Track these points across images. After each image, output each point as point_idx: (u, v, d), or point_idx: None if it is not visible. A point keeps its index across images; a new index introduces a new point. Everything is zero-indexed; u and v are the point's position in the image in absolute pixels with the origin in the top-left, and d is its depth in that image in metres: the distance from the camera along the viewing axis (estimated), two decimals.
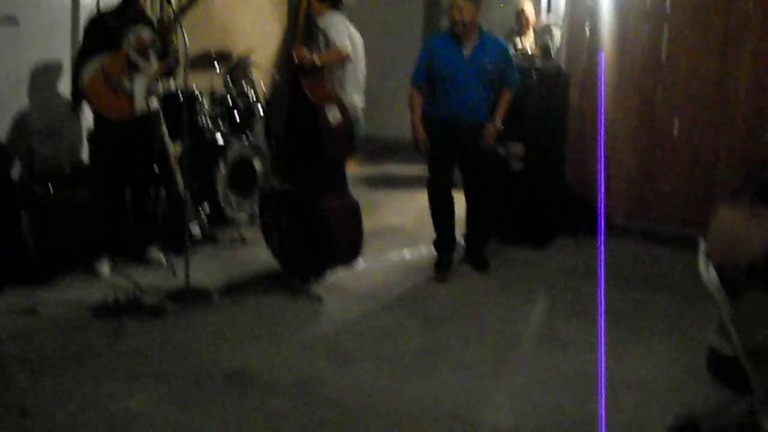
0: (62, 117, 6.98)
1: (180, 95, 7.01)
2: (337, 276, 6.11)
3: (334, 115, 5.69)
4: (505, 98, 6.36)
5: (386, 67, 10.62)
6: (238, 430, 4.00)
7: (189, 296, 5.69)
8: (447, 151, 6.30)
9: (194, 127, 7.31)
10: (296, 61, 5.65)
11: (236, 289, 5.94)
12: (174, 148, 6.60)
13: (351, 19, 7.13)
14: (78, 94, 6.07)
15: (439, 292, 6.03)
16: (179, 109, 6.78)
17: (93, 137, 6.40)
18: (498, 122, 6.29)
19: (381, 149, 10.71)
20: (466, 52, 6.18)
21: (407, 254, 6.75)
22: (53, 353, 4.80)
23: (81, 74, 5.95)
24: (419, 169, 9.16)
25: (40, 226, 5.97)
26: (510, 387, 4.51)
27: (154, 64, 6.00)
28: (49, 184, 6.29)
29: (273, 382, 4.53)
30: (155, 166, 6.40)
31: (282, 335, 5.18)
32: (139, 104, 5.97)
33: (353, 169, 8.82)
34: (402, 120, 10.33)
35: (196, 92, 7.42)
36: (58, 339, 5.02)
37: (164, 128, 6.31)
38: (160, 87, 6.29)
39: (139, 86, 5.95)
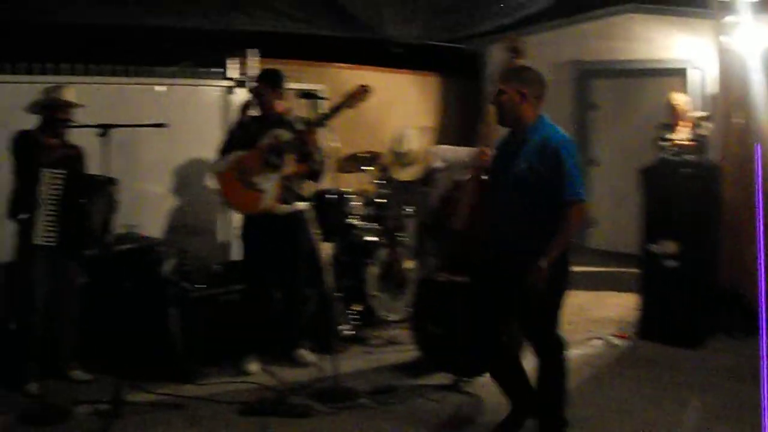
0: (214, 215, 7.02)
1: (329, 196, 7.04)
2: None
3: None
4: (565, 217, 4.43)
5: None
6: None
7: (336, 396, 5.50)
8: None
9: (345, 226, 7.26)
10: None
11: (384, 389, 5.67)
12: (326, 248, 6.50)
13: None
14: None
15: (586, 395, 5.57)
16: (330, 209, 6.83)
17: (241, 236, 6.35)
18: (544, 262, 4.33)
19: None
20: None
21: None
22: None
23: (217, 165, 6.08)
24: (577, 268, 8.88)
25: (189, 322, 5.95)
26: None
27: (291, 165, 5.93)
28: (199, 281, 6.25)
29: None
30: (304, 265, 6.26)
31: None
32: (269, 203, 5.90)
33: None
34: None
35: (347, 193, 7.36)
36: None
37: (311, 228, 6.23)
38: (306, 189, 6.20)
39: (270, 184, 5.90)
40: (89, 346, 5.88)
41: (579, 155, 4.57)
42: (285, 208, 6.04)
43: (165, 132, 5.57)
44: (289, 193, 6.02)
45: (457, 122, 11.85)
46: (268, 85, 6.19)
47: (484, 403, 5.47)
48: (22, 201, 5.48)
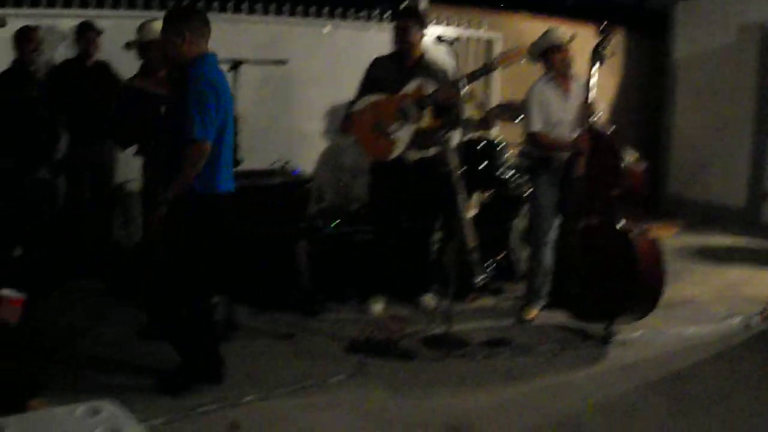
0: (356, 156, 7.13)
1: (479, 145, 7.00)
2: (608, 345, 5.64)
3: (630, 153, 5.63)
4: None
5: (718, 126, 9.97)
6: None
7: (445, 344, 5.52)
8: None
9: (493, 177, 7.18)
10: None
11: (497, 342, 5.64)
12: (475, 199, 6.54)
13: None
14: (346, 123, 6.15)
15: (709, 374, 5.31)
16: (478, 159, 6.79)
17: (371, 178, 6.43)
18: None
19: (708, 215, 9.99)
20: None
21: (689, 330, 6.06)
22: (288, 378, 4.94)
23: (354, 106, 6.07)
24: (747, 241, 8.46)
25: (318, 259, 6.11)
26: None
27: (428, 117, 5.91)
28: (333, 219, 6.41)
29: None
30: (436, 210, 6.29)
31: (519, 395, 4.87)
32: (400, 150, 5.89)
33: (669, 237, 8.31)
34: (729, 185, 9.67)
35: (499, 143, 7.27)
36: (301, 367, 5.13)
37: (453, 176, 6.21)
38: (450, 138, 6.16)
39: (405, 134, 5.89)
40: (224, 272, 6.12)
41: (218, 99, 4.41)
42: (417, 154, 6.01)
43: (329, 73, 5.68)
44: (422, 142, 6.00)
45: (638, 81, 11.44)
46: (416, 22, 6.04)
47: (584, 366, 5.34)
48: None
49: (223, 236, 4.65)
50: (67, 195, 6.77)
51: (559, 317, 6.01)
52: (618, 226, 5.54)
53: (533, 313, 6.14)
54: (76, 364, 4.91)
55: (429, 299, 6.33)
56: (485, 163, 7.10)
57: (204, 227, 4.54)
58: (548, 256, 6.09)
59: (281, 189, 6.59)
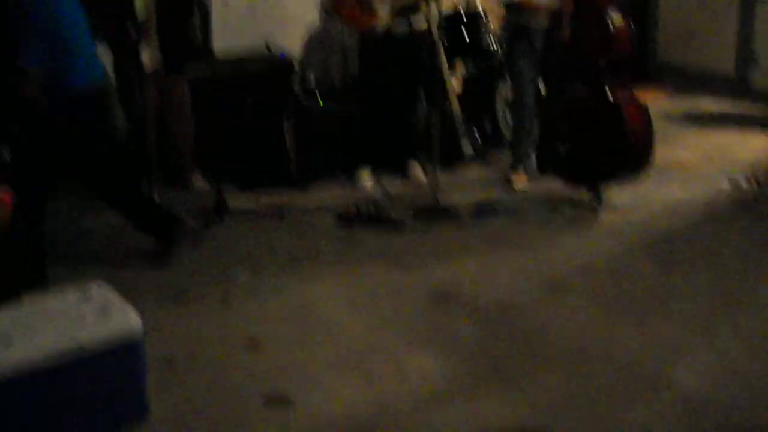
0: (337, 32, 7.07)
1: (464, 14, 6.90)
2: (596, 210, 5.69)
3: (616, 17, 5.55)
4: None
5: None
6: (425, 344, 3.94)
7: (434, 213, 5.58)
8: None
9: (478, 46, 7.10)
10: None
11: (488, 209, 5.71)
12: (459, 68, 6.55)
13: None
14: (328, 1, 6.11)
15: (695, 235, 5.40)
16: (463, 28, 6.71)
17: (359, 52, 6.39)
18: None
19: (697, 80, 9.92)
20: None
21: (677, 193, 6.11)
22: (279, 253, 5.04)
23: None
24: (736, 106, 8.43)
25: (306, 138, 6.13)
26: (719, 349, 3.91)
27: None
28: (318, 96, 6.40)
29: (475, 302, 4.37)
30: (422, 82, 6.27)
31: (507, 259, 4.96)
32: (384, 21, 5.85)
33: (658, 101, 8.29)
34: (717, 50, 9.58)
35: (481, 11, 7.17)
36: (291, 242, 5.20)
37: (437, 47, 6.16)
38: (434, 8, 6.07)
39: (384, 4, 5.85)
40: (211, 158, 6.15)
41: None
42: (403, 28, 5.97)
43: None
44: (405, 13, 5.95)
45: None
46: None
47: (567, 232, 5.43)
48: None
49: (104, 126, 4.62)
50: None
51: (547, 185, 6.03)
52: (606, 92, 5.52)
53: (521, 180, 6.17)
54: (66, 254, 4.96)
55: (417, 171, 6.35)
56: (469, 32, 7.00)
57: (77, 124, 4.51)
58: (533, 124, 6.09)
59: (268, 71, 6.54)
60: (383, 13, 5.87)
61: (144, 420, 3.26)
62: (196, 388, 3.56)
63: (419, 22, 6.09)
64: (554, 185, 5.94)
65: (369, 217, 5.51)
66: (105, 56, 5.69)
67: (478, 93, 7.07)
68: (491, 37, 6.95)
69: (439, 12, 5.98)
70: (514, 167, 6.27)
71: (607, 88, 5.55)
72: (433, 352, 3.84)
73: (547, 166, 6.05)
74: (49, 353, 2.94)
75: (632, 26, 5.77)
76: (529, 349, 3.87)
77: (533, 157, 6.24)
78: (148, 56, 5.56)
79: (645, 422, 3.25)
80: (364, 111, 6.38)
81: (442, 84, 6.19)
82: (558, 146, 5.82)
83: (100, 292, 3.34)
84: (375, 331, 4.06)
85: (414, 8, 5.94)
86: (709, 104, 8.98)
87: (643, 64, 10.14)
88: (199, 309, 4.32)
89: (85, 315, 3.13)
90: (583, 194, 5.77)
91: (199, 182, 6.15)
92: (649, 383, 3.57)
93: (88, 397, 3.07)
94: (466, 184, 6.29)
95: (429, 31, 5.83)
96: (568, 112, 5.73)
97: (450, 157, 6.32)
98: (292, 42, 7.16)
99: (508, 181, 6.19)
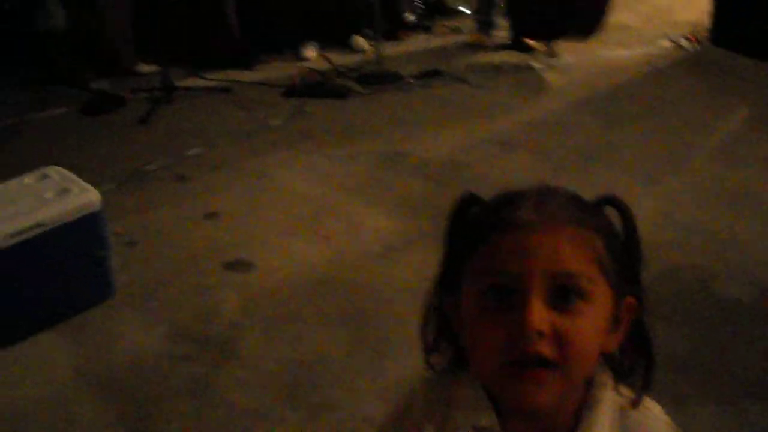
0: None
1: None
2: (541, 68, 5.82)
3: None
4: None
5: None
6: (378, 203, 4.08)
7: (379, 78, 5.64)
8: None
9: None
10: None
11: (430, 73, 5.77)
12: None
13: None
14: None
15: (637, 92, 5.52)
16: None
17: None
18: None
19: None
20: None
21: (620, 53, 6.21)
22: (230, 128, 5.12)
23: None
24: None
25: (248, 10, 6.11)
26: (661, 194, 4.10)
27: None
28: None
29: (425, 162, 4.51)
30: None
31: (455, 120, 5.09)
32: None
33: None
34: None
35: None
36: (240, 116, 5.27)
37: None
38: None
39: None
40: (153, 40, 6.11)
41: None
42: None
43: None
44: None
45: None
46: None
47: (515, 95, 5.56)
48: None
49: None
50: None
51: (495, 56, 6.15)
52: None
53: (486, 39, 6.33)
54: (23, 145, 5.01)
55: (360, 40, 6.39)
56: None
57: None
58: None
59: None
60: None
61: (109, 296, 3.38)
62: (157, 262, 3.69)
63: None
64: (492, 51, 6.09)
65: (315, 88, 5.57)
66: None
67: None
68: None
69: None
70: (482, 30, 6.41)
71: None
72: (385, 210, 3.99)
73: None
74: (9, 232, 3.02)
75: None
76: None
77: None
78: None
79: None
80: None
81: None
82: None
83: (59, 174, 3.41)
84: (328, 195, 4.19)
85: None
86: None
87: None
88: (155, 186, 4.42)
89: (44, 195, 3.21)
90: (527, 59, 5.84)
91: (144, 66, 6.13)
92: None
93: (52, 274, 3.17)
94: (410, 53, 6.33)
95: None
96: None
97: (393, 27, 6.39)
98: None
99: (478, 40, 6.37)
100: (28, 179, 3.37)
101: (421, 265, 3.45)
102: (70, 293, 3.25)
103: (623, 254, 1.08)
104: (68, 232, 3.14)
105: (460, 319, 1.08)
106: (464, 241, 1.08)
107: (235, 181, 4.41)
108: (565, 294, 0.99)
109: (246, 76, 5.94)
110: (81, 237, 3.20)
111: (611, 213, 1.10)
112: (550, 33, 5.82)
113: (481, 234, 1.05)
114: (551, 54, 5.79)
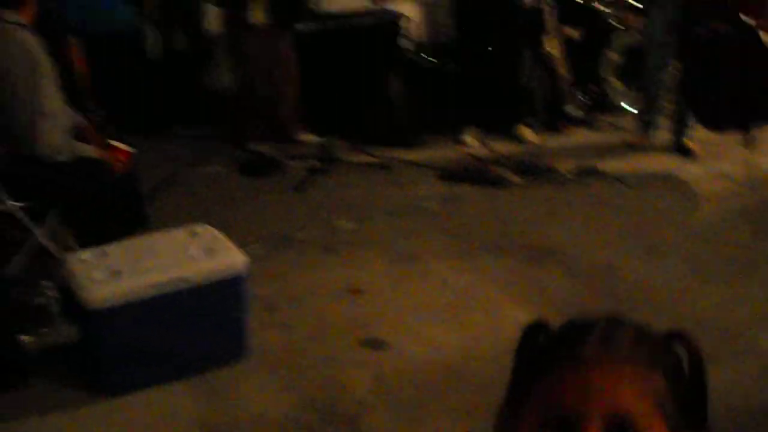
0: None
1: None
2: (699, 173, 5.64)
3: None
4: None
5: None
6: (521, 297, 4.00)
7: (536, 170, 5.60)
8: None
9: (587, 10, 7.06)
10: None
11: (589, 171, 5.68)
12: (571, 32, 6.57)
13: None
14: None
15: None
16: None
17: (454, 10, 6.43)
18: None
19: None
20: None
21: None
22: (383, 205, 5.17)
23: None
24: None
25: (413, 93, 6.21)
26: None
27: None
28: (425, 53, 6.47)
29: (573, 260, 4.40)
30: (527, 45, 6.28)
31: (607, 220, 4.97)
32: None
33: None
34: None
35: None
36: (395, 195, 5.35)
37: (544, 9, 6.16)
38: None
39: None
40: (318, 112, 6.28)
41: None
42: None
43: None
44: None
45: None
46: None
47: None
48: None
49: None
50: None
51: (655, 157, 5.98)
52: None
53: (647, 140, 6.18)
54: (179, 198, 5.19)
55: (523, 130, 6.36)
56: None
57: None
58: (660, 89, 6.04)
59: (375, 26, 6.64)
60: None
61: (243, 356, 3.42)
62: (294, 330, 3.71)
63: None
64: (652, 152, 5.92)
65: (473, 174, 5.55)
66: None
67: (585, 57, 7.01)
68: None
69: None
70: (645, 129, 6.24)
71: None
72: (528, 305, 3.90)
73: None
74: (153, 285, 3.09)
75: None
76: (621, 308, 3.88)
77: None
78: (255, 11, 5.69)
79: (725, 382, 3.25)
80: (467, 69, 6.36)
81: (549, 47, 6.19)
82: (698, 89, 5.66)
83: (208, 232, 3.49)
84: (473, 284, 4.14)
85: None
86: None
87: None
88: (302, 254, 4.47)
89: (191, 252, 3.28)
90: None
91: (306, 136, 6.28)
92: (733, 345, 3.57)
93: (188, 329, 3.24)
94: (569, 147, 6.26)
95: None
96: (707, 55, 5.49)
97: (556, 120, 6.35)
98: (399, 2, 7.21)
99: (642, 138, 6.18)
100: (177, 234, 3.46)
101: None
102: (205, 349, 3.30)
103: (688, 393, 1.07)
104: (209, 291, 3.20)
105: None
106: (530, 370, 1.09)
107: (382, 258, 4.41)
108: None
109: (405, 154, 5.99)
110: (221, 297, 3.26)
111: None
112: (750, 118, 5.45)
113: (545, 365, 1.06)
114: (749, 143, 5.48)
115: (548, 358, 1.07)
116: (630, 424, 0.99)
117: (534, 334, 1.13)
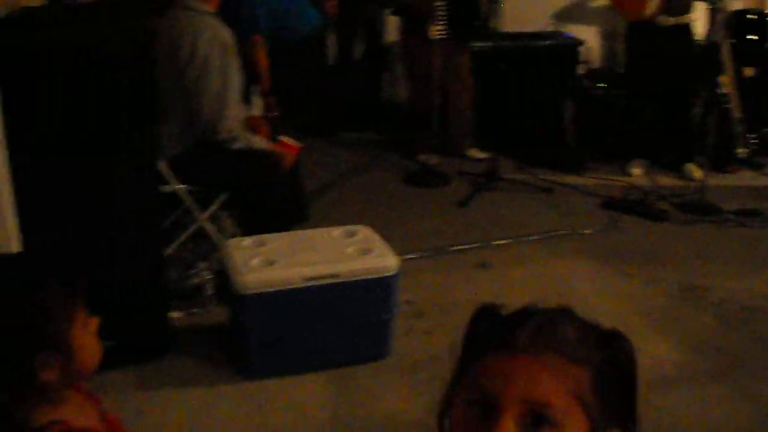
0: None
1: (749, 16, 6.72)
2: None
3: None
4: None
5: None
6: (665, 332, 4.00)
7: (698, 209, 5.52)
8: None
9: (762, 50, 6.87)
10: None
11: (750, 212, 5.53)
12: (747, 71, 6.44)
13: None
14: None
15: None
16: (751, 30, 6.55)
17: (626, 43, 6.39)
18: None
19: None
20: None
21: None
22: (542, 226, 5.22)
23: None
24: None
25: (584, 119, 6.23)
26: None
27: None
28: (599, 80, 6.49)
29: (722, 301, 4.33)
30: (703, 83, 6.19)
31: (762, 263, 4.83)
32: (653, 8, 5.79)
33: None
34: None
35: None
36: (554, 218, 5.42)
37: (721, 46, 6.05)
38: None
39: None
40: (489, 129, 6.39)
41: None
42: (670, 20, 5.91)
43: None
44: (676, 5, 5.89)
45: None
46: None
47: None
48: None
49: None
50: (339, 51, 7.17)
51: None
52: None
53: None
54: (341, 199, 5.43)
55: (692, 168, 6.26)
56: (754, 35, 6.80)
57: None
58: None
59: (552, 50, 6.69)
60: (653, 3, 5.80)
61: (383, 356, 3.56)
62: (438, 338, 3.82)
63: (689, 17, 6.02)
64: None
65: (635, 206, 5.53)
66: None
67: (758, 97, 6.82)
68: None
69: (725, 10, 5.88)
70: None
71: None
72: (670, 340, 3.88)
73: None
74: (305, 277, 3.26)
75: None
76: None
77: None
78: (435, 25, 5.83)
79: None
80: (639, 101, 6.31)
81: (724, 85, 6.07)
82: None
83: (365, 233, 3.63)
84: (618, 314, 4.13)
85: (684, 7, 5.89)
86: None
87: None
88: (456, 267, 4.60)
89: (346, 250, 3.44)
90: None
91: (475, 152, 6.39)
92: None
93: (335, 322, 3.40)
94: (735, 187, 6.13)
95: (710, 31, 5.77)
96: None
97: (724, 160, 6.23)
98: (579, 28, 7.23)
99: None
100: (336, 232, 3.62)
101: (693, 401, 3.35)
102: (347, 345, 3.45)
103: (615, 389, 1.12)
104: (359, 289, 3.35)
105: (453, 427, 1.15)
106: (471, 350, 1.17)
107: (542, 280, 4.48)
108: (537, 421, 1.05)
109: (569, 179, 6.04)
110: (370, 296, 3.39)
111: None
112: None
113: (482, 347, 1.13)
114: None
115: (486, 341, 1.13)
116: (545, 411, 1.04)
117: (483, 318, 1.20)
